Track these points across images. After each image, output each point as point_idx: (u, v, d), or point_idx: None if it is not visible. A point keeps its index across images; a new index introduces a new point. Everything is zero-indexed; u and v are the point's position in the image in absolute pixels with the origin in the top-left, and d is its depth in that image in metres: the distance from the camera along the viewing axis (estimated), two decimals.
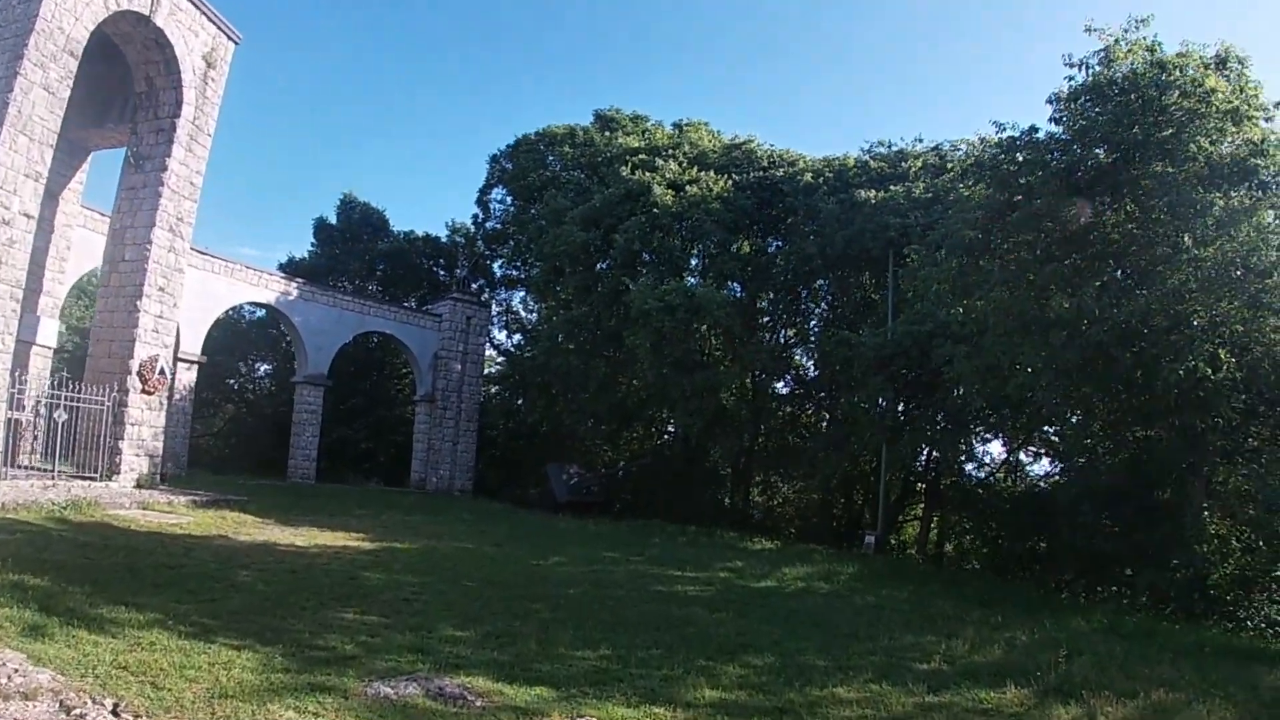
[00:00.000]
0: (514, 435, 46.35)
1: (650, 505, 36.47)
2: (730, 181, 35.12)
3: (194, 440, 48.10)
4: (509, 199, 47.43)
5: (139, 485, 23.09)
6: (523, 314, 51.28)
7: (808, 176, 34.90)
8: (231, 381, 48.46)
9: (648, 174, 35.21)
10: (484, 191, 48.34)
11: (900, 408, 27.55)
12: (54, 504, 17.49)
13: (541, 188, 41.82)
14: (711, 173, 35.40)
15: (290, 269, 43.82)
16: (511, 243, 45.40)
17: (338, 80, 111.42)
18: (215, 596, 11.00)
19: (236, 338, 46.27)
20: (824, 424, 35.16)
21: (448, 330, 41.42)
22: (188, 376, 32.90)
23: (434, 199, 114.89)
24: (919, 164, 33.42)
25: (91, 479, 21.91)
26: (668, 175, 35.19)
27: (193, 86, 24.52)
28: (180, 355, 32.08)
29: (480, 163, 61.21)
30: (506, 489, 41.29)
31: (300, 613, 10.60)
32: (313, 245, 50.46)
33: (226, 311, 45.80)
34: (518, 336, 50.77)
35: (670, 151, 37.82)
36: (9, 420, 20.36)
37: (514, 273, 49.55)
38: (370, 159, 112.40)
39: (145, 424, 23.77)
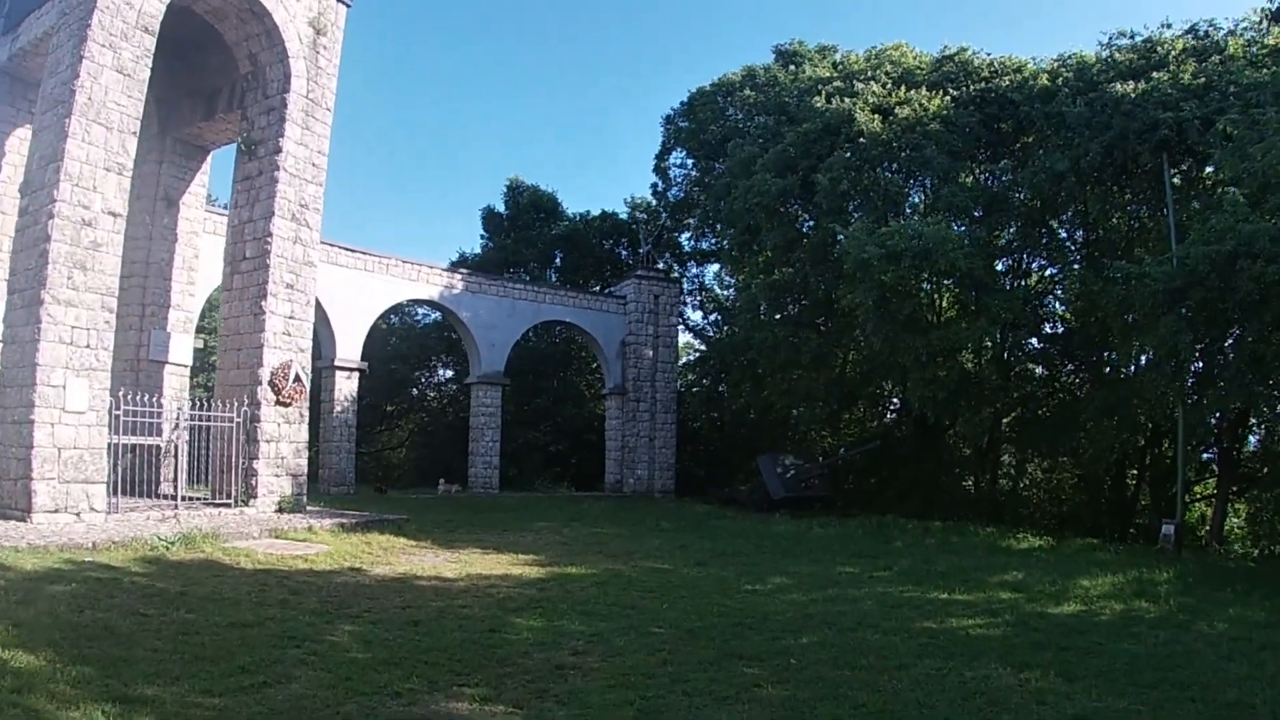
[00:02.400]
0: (717, 426, 42.91)
1: (881, 498, 32.81)
2: (947, 98, 30.19)
3: (377, 454, 47.34)
4: (689, 161, 43.69)
5: (281, 509, 20.69)
6: (718, 290, 47.71)
7: (1043, 79, 29.51)
8: (413, 390, 46.66)
9: (847, 100, 30.65)
10: (660, 157, 44.65)
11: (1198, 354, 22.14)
12: (160, 539, 14.93)
13: (723, 141, 37.78)
14: (923, 90, 30.55)
15: (461, 266, 41.21)
16: (698, 210, 41.52)
17: (487, 62, 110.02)
18: (269, 679, 7.51)
19: (409, 342, 44.36)
20: (1087, 386, 29.67)
21: (634, 313, 38.10)
22: (348, 386, 31.09)
23: (608, 178, 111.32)
24: (1179, 47, 27.66)
25: (226, 505, 20.02)
26: (871, 99, 30.51)
27: (301, 57, 22.01)
28: (337, 363, 30.16)
29: (655, 131, 57.62)
30: (713, 487, 37.67)
31: (386, 701, 7.07)
32: (483, 237, 48.39)
33: (389, 314, 44.61)
34: (714, 316, 47.08)
35: (869, 75, 33.09)
36: (115, 446, 17.99)
37: (704, 244, 45.83)
38: (536, 144, 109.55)
39: (283, 440, 21.24)
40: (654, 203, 46.54)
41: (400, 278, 32.65)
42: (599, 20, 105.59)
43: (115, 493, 18.00)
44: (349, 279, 30.93)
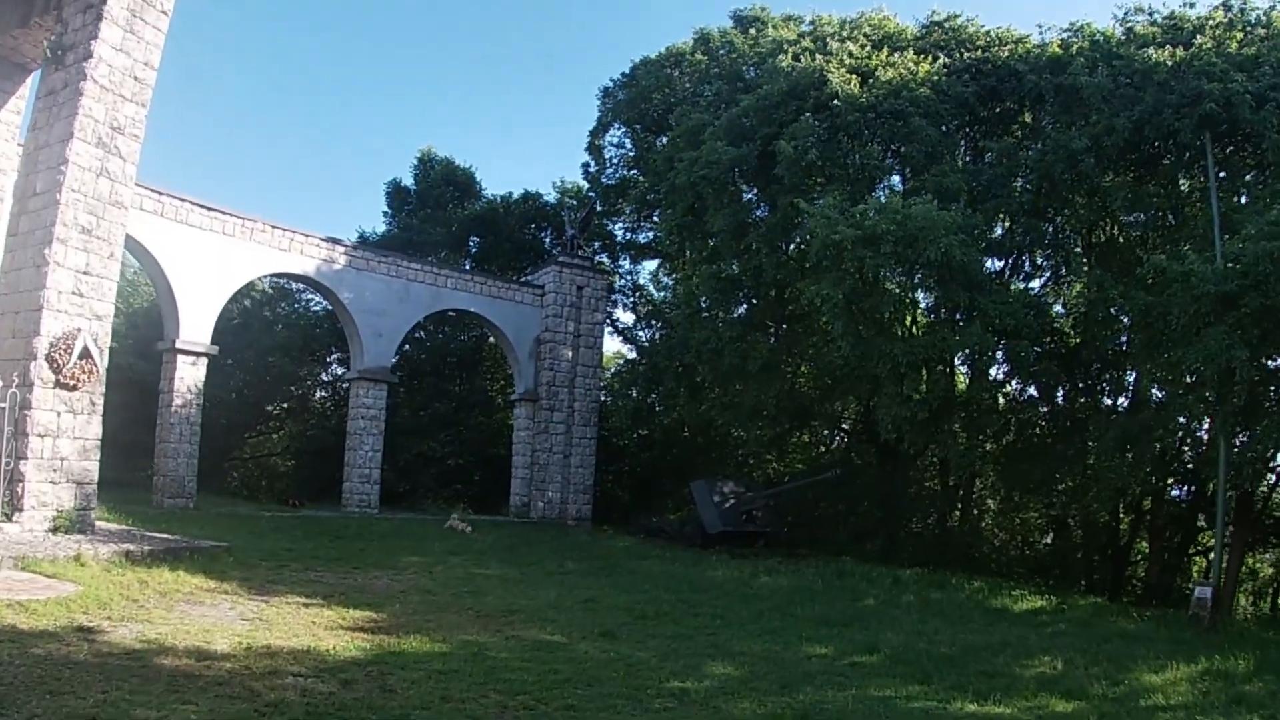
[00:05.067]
0: (646, 444, 38.38)
1: (835, 536, 28.87)
2: (938, 64, 26.20)
3: (259, 461, 42.08)
4: (627, 139, 39.42)
5: (56, 527, 15.96)
6: (654, 291, 43.27)
7: (1053, 47, 25.71)
8: (293, 388, 41.45)
9: (818, 58, 26.48)
10: (596, 134, 40.11)
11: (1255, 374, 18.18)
12: None
13: (667, 112, 33.78)
14: (910, 53, 26.53)
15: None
16: (635, 192, 37.09)
17: (407, 24, 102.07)
18: None
19: (296, 332, 39.16)
20: (1090, 412, 25.69)
21: (552, 306, 33.46)
22: (193, 374, 26.28)
23: (543, 162, 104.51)
24: (1217, 19, 24.13)
25: None
26: (848, 60, 26.41)
27: None
28: (180, 345, 25.86)
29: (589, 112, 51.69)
30: (638, 516, 33.47)
31: None
32: (386, 214, 43.18)
33: (275, 299, 39.81)
34: (650, 323, 42.57)
35: (846, 35, 29.00)
36: None
37: (641, 238, 41.60)
38: (459, 116, 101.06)
39: (64, 435, 16.42)
40: (585, 186, 41.96)
41: (268, 246, 27.65)
42: None
43: None
44: (202, 243, 25.98)
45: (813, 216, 22.50)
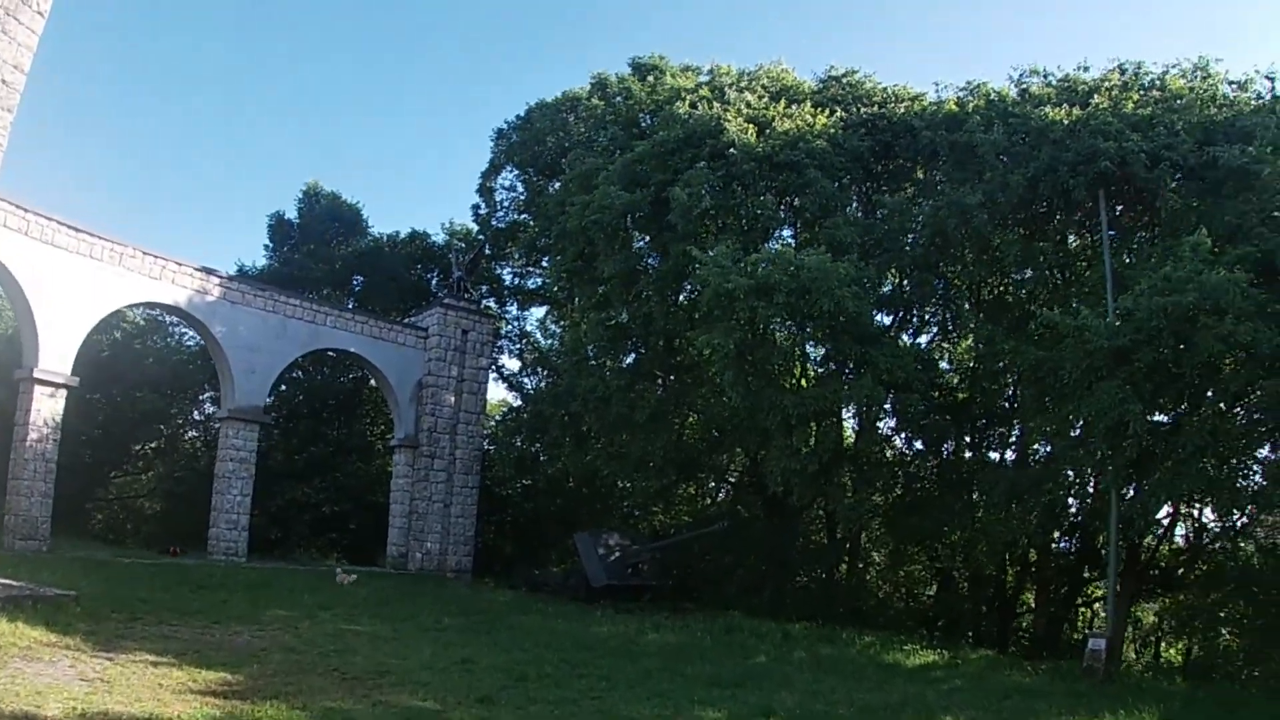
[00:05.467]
0: (530, 495, 37.49)
1: (721, 589, 28.66)
2: (835, 117, 26.37)
3: (123, 501, 40.00)
4: (519, 183, 38.90)
5: None
6: (541, 339, 42.60)
7: (949, 105, 26.09)
8: (163, 426, 39.57)
9: (716, 106, 26.41)
10: (487, 175, 39.38)
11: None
12: None
13: (561, 156, 33.45)
14: (807, 106, 26.66)
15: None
16: (525, 236, 36.53)
17: (302, 63, 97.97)
18: None
19: (166, 367, 37.46)
20: (977, 466, 25.91)
21: (436, 349, 32.54)
22: (50, 407, 25.09)
23: (434, 203, 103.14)
24: (1113, 81, 24.69)
25: None
26: (745, 110, 26.41)
27: None
28: (38, 374, 24.74)
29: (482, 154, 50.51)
30: (520, 567, 32.62)
31: None
32: (268, 248, 41.53)
33: (147, 333, 38.15)
34: (536, 371, 41.94)
35: (745, 85, 29.05)
36: None
37: (530, 284, 40.88)
38: (347, 150, 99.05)
39: None
40: (475, 228, 41.17)
41: (138, 273, 26.51)
42: (436, 28, 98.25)
43: None
44: (68, 266, 24.80)
45: (705, 265, 22.26)
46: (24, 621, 12.95)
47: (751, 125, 25.59)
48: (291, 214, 41.95)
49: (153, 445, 39.91)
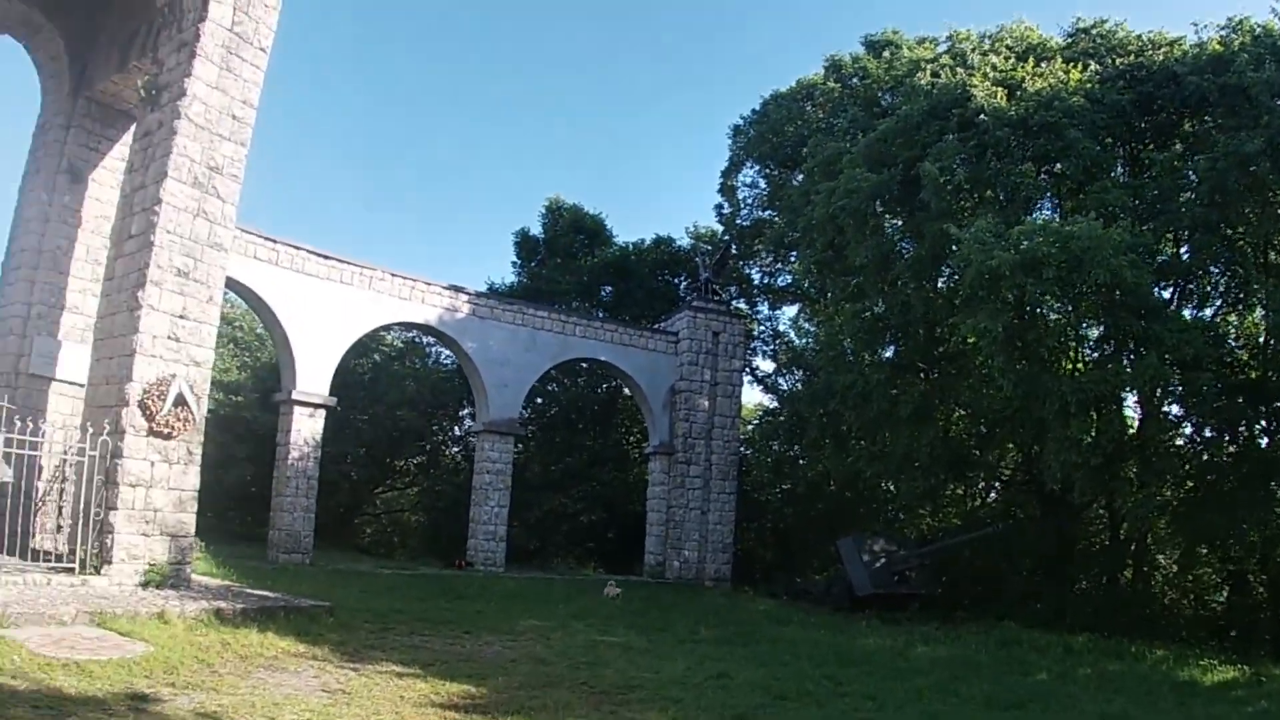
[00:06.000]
0: (789, 499, 36.50)
1: (994, 598, 26.33)
2: (1090, 72, 24.37)
3: (392, 516, 41.88)
4: (760, 178, 38.13)
5: (147, 581, 15.08)
6: (794, 338, 41.44)
7: (1213, 45, 23.52)
8: (423, 443, 41.13)
9: (960, 73, 24.84)
10: (728, 174, 38.94)
11: None
12: None
13: (800, 145, 32.25)
14: (1058, 62, 24.81)
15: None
16: (771, 232, 35.73)
17: (537, 76, 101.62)
18: None
19: (425, 385, 38.90)
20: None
21: (687, 353, 32.16)
22: (310, 426, 26.15)
23: (670, 207, 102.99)
24: None
25: (69, 571, 14.63)
26: (991, 72, 24.76)
27: None
28: (296, 396, 25.84)
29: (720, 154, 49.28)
30: (780, 575, 31.68)
31: None
32: (515, 265, 42.82)
33: (405, 353, 39.71)
34: (792, 372, 40.80)
35: (987, 48, 27.38)
36: None
37: (779, 281, 39.94)
38: (587, 167, 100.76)
39: (158, 485, 15.61)
40: (719, 229, 40.78)
41: (388, 295, 27.38)
42: (661, 30, 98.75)
43: None
44: (319, 293, 25.87)
45: (965, 243, 20.69)
46: (275, 632, 13.00)
47: (1000, 89, 23.80)
48: (536, 230, 42.85)
49: (415, 461, 41.63)
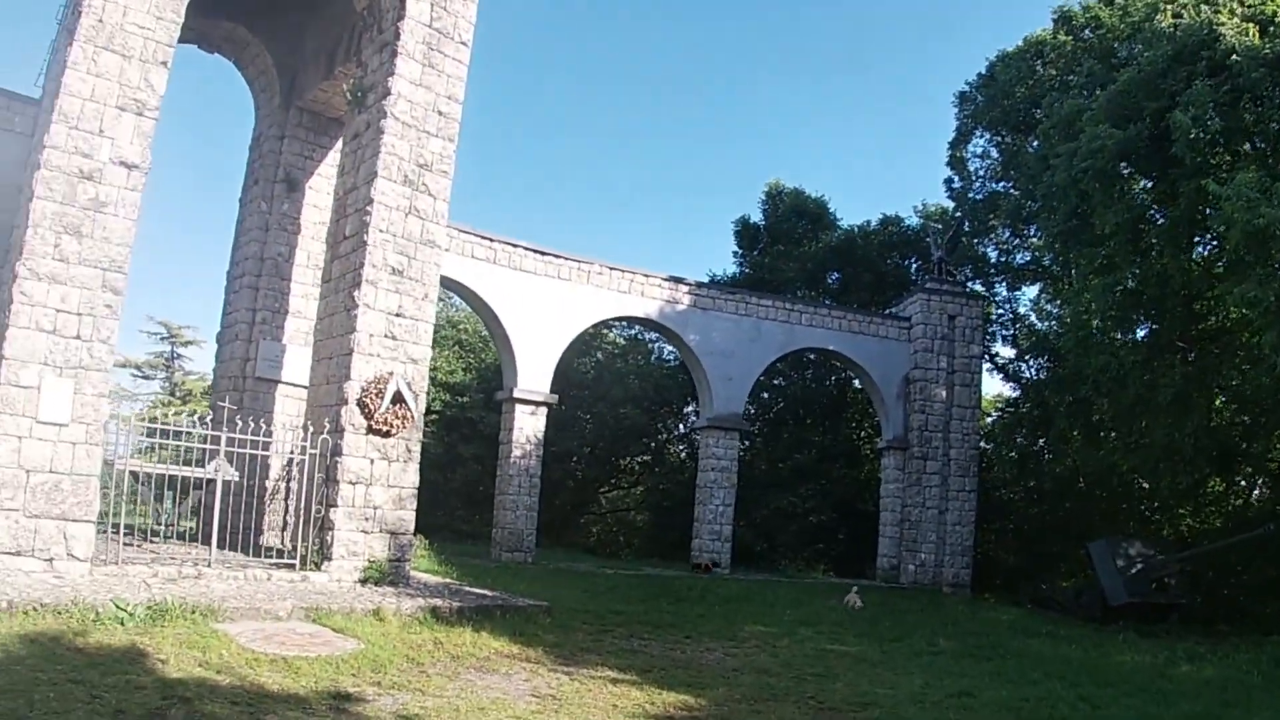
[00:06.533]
0: (1034, 498, 34.08)
1: (1264, 609, 24.06)
2: None
3: (617, 515, 41.83)
4: (992, 148, 35.77)
5: (366, 578, 15.68)
6: (1035, 320, 38.63)
7: None
8: (647, 440, 40.86)
9: (1205, 11, 22.27)
10: (956, 145, 36.59)
11: None
12: (121, 608, 10.94)
13: (1034, 106, 30.23)
14: None
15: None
16: (1006, 205, 33.45)
17: (751, 49, 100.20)
18: None
19: (648, 381, 38.67)
20: None
21: (921, 339, 30.53)
22: (531, 425, 26.86)
23: (894, 185, 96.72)
24: None
25: (289, 567, 15.48)
26: (1239, 8, 22.02)
27: None
28: (518, 394, 26.39)
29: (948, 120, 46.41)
30: (1024, 582, 29.52)
31: None
32: (736, 254, 41.97)
33: (628, 351, 39.55)
34: (1033, 359, 38.13)
35: None
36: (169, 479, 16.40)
37: (1016, 257, 37.35)
38: (803, 144, 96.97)
39: (377, 482, 16.22)
40: (950, 206, 38.61)
41: (606, 289, 27.36)
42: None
43: (150, 537, 16.69)
44: (537, 289, 26.26)
45: (1228, 200, 18.37)
46: (489, 632, 12.88)
47: (1251, 25, 21.08)
48: (757, 217, 41.87)
49: (640, 459, 41.50)
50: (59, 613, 10.48)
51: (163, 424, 15.19)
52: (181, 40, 21.23)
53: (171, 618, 10.99)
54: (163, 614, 11.01)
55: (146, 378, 49.64)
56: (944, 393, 30.44)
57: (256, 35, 21.68)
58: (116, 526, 14.29)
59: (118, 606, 10.89)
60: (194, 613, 11.33)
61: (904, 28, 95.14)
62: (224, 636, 10.63)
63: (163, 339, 49.42)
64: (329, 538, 15.59)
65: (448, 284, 24.71)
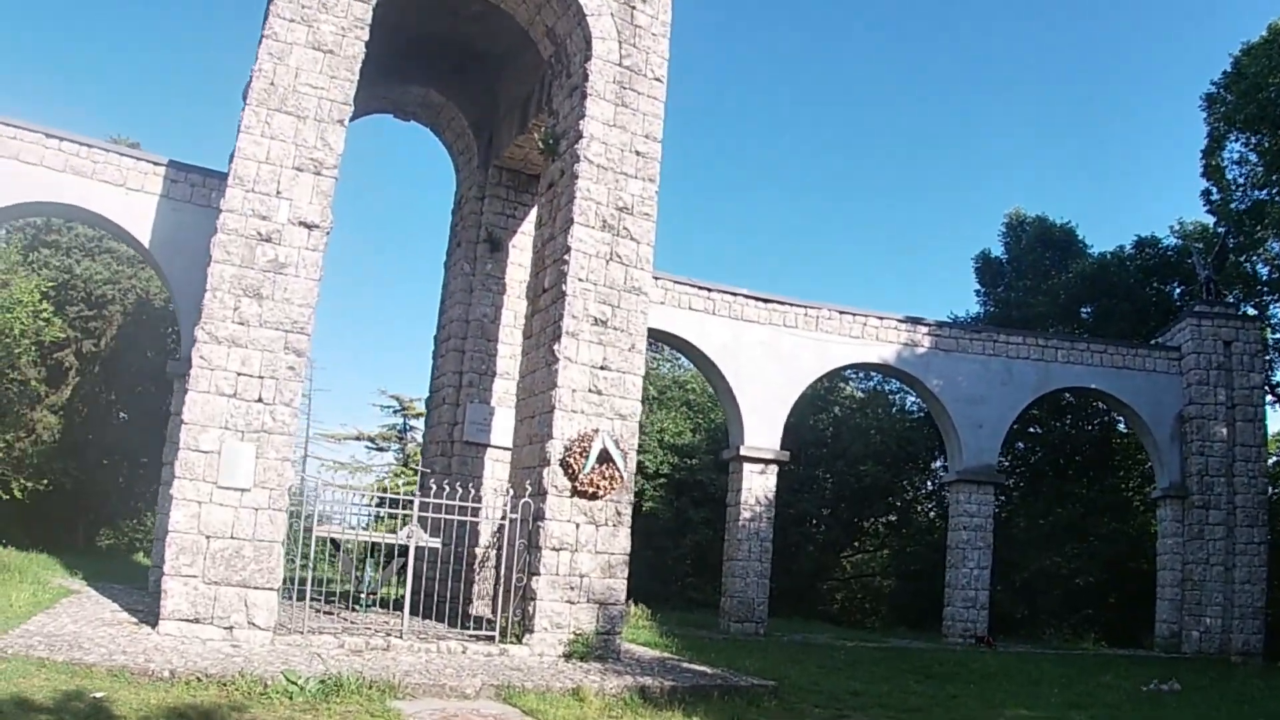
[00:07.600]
0: None
1: None
2: None
3: (858, 581, 40.07)
4: (1251, 152, 32.52)
5: (571, 652, 15.03)
6: None
7: None
8: (892, 499, 39.14)
9: None
10: (1209, 153, 33.53)
11: None
12: (292, 681, 10.63)
13: None
14: None
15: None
16: (1274, 212, 30.23)
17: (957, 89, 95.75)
18: None
19: (890, 436, 37.12)
20: None
21: (1194, 370, 27.71)
22: (761, 484, 25.38)
23: (1143, 203, 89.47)
24: None
25: (488, 639, 15.08)
26: None
27: (606, 13, 17.21)
28: (744, 452, 25.21)
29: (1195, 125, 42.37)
30: None
31: None
32: (979, 292, 40.35)
33: (866, 405, 38.15)
34: None
35: None
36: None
37: None
38: (1040, 168, 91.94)
39: (583, 549, 15.69)
40: (1211, 221, 35.38)
41: (836, 335, 26.15)
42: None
43: (352, 605, 16.73)
44: (761, 339, 25.43)
45: None
46: (701, 716, 11.86)
47: None
48: (997, 250, 40.07)
49: (884, 520, 39.87)
50: (223, 684, 10.34)
51: (350, 487, 15.89)
52: (377, 110, 22.23)
53: (345, 693, 10.62)
54: (335, 688, 10.65)
55: (380, 449, 52.50)
56: (1224, 430, 27.39)
57: (448, 97, 22.21)
58: (303, 594, 14.40)
59: (288, 679, 10.62)
60: (370, 688, 10.92)
61: (1132, 35, 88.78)
62: (395, 715, 10.14)
63: (395, 412, 51.99)
64: (530, 608, 15.06)
65: (664, 338, 24.31)
